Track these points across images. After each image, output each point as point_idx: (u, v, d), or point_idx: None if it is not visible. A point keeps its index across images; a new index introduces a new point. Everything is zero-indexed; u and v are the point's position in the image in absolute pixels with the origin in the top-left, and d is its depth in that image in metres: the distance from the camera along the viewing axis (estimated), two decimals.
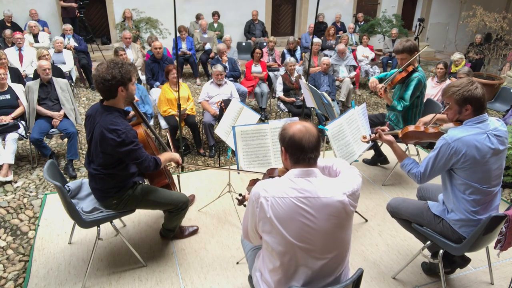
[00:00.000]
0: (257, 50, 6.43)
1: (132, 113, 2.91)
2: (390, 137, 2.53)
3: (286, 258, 1.60)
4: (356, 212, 1.93)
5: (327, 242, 1.59)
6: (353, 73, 6.90)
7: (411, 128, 2.52)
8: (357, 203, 1.67)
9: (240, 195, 2.32)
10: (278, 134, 1.71)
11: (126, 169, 2.50)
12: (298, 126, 1.63)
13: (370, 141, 2.73)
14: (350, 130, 3.12)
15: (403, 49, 3.53)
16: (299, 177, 1.60)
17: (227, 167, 4.06)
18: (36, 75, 4.86)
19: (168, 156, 2.71)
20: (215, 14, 9.07)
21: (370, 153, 4.47)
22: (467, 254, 2.62)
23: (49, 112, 4.28)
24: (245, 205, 2.35)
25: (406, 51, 3.52)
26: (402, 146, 4.06)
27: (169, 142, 3.43)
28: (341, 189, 1.60)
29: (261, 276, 1.78)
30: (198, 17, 8.88)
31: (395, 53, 3.67)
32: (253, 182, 2.20)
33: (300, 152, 1.61)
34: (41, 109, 4.27)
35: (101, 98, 2.43)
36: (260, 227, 1.62)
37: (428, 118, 2.99)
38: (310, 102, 4.07)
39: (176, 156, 2.78)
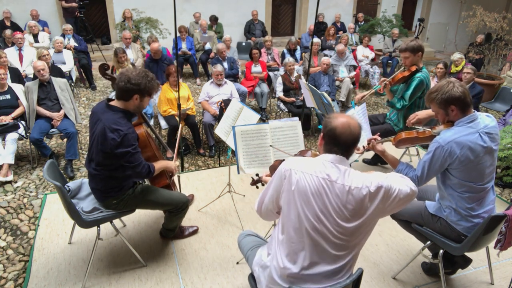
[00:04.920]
0: (254, 51, 6.43)
1: None
2: (381, 147, 2.55)
3: (297, 232, 1.66)
4: None
5: (339, 227, 1.63)
6: (353, 73, 6.89)
7: (404, 135, 2.55)
8: (385, 205, 1.64)
9: (257, 175, 2.31)
10: (324, 119, 1.73)
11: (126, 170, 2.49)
12: (343, 121, 1.65)
13: (365, 151, 2.77)
14: None
15: (406, 48, 3.54)
16: (330, 162, 1.66)
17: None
18: (35, 75, 4.86)
19: (164, 164, 2.69)
20: (212, 20, 9.02)
21: (370, 153, 4.47)
22: (468, 254, 2.63)
23: (48, 113, 4.28)
24: (257, 187, 2.36)
25: (409, 50, 3.53)
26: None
27: (165, 143, 3.37)
28: (366, 182, 1.62)
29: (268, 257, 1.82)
30: (195, 15, 8.86)
31: (399, 52, 3.70)
32: (279, 162, 2.20)
33: (334, 145, 1.67)
34: (41, 110, 4.27)
35: (103, 98, 2.43)
36: (282, 198, 1.70)
37: (423, 113, 3.02)
38: (310, 102, 4.06)
39: (171, 165, 2.77)
